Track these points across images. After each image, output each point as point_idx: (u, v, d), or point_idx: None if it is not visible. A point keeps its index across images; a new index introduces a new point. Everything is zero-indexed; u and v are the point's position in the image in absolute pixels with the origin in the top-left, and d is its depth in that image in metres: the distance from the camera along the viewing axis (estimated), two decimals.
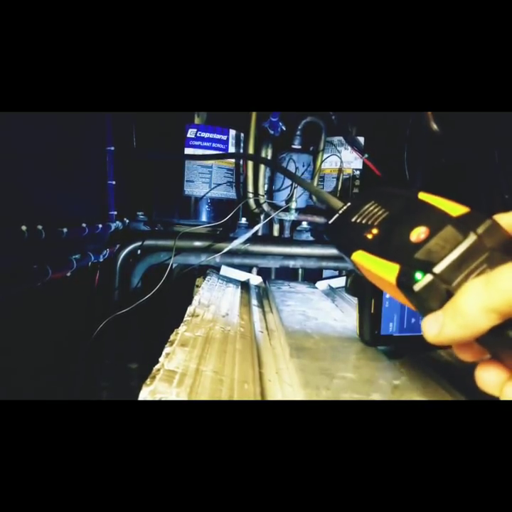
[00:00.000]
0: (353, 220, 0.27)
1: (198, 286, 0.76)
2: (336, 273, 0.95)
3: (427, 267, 0.20)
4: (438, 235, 0.21)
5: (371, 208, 0.26)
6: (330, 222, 0.29)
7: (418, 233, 0.22)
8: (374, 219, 0.25)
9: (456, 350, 0.21)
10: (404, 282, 0.21)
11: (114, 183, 0.87)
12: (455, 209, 0.22)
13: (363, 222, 0.26)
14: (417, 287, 0.21)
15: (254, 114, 0.87)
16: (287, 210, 0.89)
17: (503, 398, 0.19)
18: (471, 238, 0.20)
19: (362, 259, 0.25)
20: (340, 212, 0.29)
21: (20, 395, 0.56)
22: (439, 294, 0.20)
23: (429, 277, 0.20)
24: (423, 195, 0.24)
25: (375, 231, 0.25)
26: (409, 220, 0.23)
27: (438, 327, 0.19)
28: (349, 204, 0.28)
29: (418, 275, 0.21)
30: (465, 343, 0.20)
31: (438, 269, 0.20)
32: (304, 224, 0.90)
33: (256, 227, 0.83)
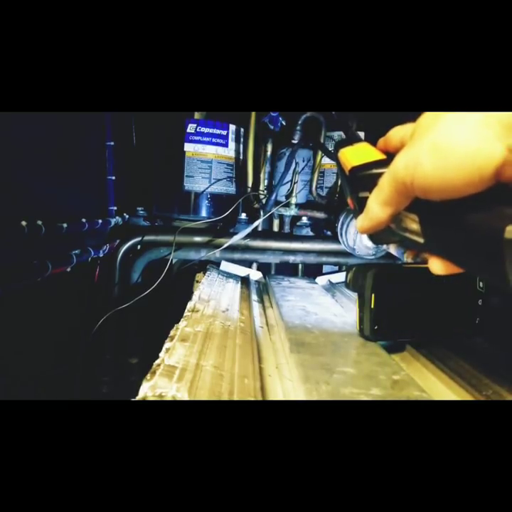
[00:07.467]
0: None
1: (198, 282, 0.76)
2: (336, 268, 0.96)
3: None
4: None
5: None
6: None
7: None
8: None
9: None
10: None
11: (113, 178, 0.87)
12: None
13: None
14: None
15: None
16: (287, 205, 0.89)
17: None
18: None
19: None
20: None
21: (19, 390, 0.56)
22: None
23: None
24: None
25: None
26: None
27: (360, 221, 0.28)
28: None
29: None
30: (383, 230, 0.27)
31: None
32: (304, 219, 0.90)
33: (256, 223, 0.83)
